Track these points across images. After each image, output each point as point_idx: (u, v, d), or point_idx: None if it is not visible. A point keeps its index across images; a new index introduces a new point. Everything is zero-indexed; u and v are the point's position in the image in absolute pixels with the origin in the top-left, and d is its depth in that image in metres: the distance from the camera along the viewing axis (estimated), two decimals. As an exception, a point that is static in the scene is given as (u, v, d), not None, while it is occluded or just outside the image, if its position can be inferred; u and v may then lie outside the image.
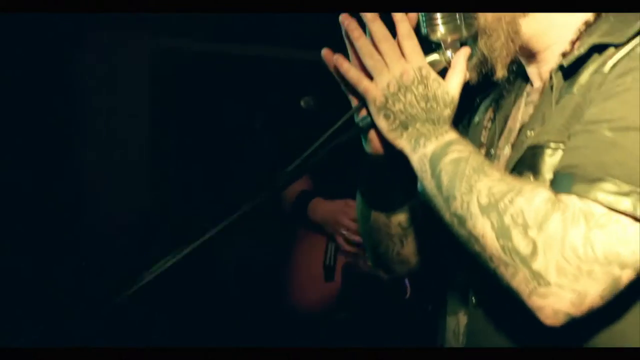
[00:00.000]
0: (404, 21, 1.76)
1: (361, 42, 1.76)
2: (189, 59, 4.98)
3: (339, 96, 1.87)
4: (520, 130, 1.87)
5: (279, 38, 4.91)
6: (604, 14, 1.80)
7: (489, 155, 1.93)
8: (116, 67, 4.91)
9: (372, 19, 1.76)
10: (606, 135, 1.57)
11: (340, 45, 1.84)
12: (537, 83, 1.91)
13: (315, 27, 4.34)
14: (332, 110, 1.91)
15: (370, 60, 1.75)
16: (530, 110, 1.88)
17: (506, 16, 1.81)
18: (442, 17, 1.80)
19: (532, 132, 1.79)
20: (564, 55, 1.81)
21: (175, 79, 4.96)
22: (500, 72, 1.84)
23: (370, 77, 1.77)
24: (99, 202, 4.79)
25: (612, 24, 1.76)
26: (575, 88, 1.71)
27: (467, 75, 1.80)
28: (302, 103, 3.62)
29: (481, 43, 1.83)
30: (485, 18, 1.82)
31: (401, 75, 1.74)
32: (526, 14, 1.81)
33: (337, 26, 1.84)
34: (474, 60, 1.84)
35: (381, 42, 1.75)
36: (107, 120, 4.87)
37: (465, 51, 1.81)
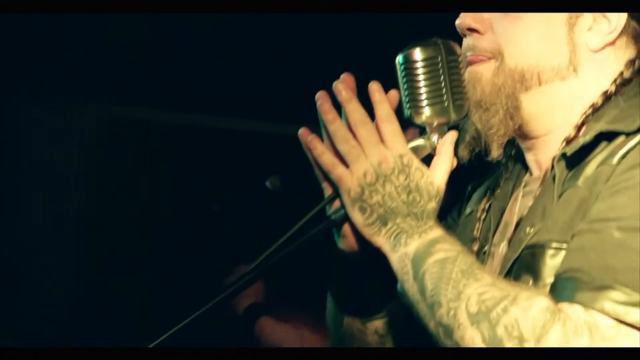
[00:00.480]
0: (383, 102, 1.72)
1: (335, 126, 1.71)
2: (138, 129, 4.81)
3: (311, 178, 1.83)
4: (517, 225, 1.82)
5: (241, 107, 4.74)
6: (613, 97, 1.77)
7: (482, 253, 1.89)
8: (54, 136, 4.76)
9: (348, 100, 1.72)
10: (614, 235, 1.53)
11: (310, 119, 1.80)
12: (536, 172, 1.87)
13: (284, 96, 4.27)
14: (301, 194, 1.88)
15: (345, 145, 1.71)
16: (529, 202, 1.82)
17: (506, 88, 1.78)
18: (428, 98, 1.75)
19: (531, 228, 1.74)
20: (568, 141, 1.77)
21: (120, 149, 4.78)
22: (496, 152, 1.80)
23: (346, 163, 1.71)
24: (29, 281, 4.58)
25: (622, 109, 1.72)
26: (581, 180, 1.67)
27: (455, 163, 1.77)
28: (267, 183, 3.45)
29: (476, 117, 1.80)
30: (482, 90, 1.79)
31: (380, 164, 1.69)
32: (528, 88, 1.78)
33: (307, 96, 1.79)
34: (466, 137, 1.81)
35: (357, 125, 1.70)
36: (44, 192, 4.73)
37: (452, 136, 1.76)
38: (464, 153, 1.81)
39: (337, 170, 1.71)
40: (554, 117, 1.80)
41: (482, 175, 2.03)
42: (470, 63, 1.80)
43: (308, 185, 1.85)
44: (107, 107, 4.87)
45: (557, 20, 1.78)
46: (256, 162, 4.44)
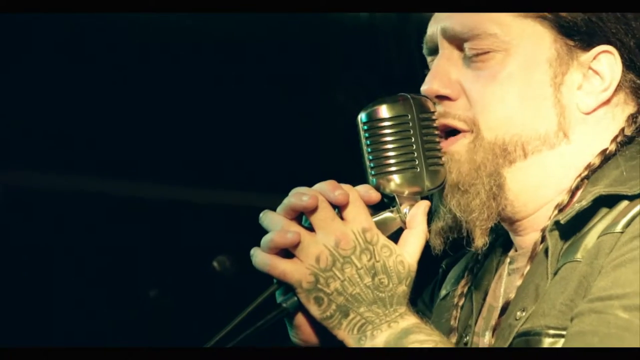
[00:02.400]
0: (351, 190, 1.68)
1: (266, 216, 1.69)
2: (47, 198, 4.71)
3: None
4: (504, 309, 1.75)
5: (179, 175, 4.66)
6: (613, 157, 1.72)
7: (461, 345, 1.83)
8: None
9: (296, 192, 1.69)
10: (619, 316, 1.49)
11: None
12: (523, 246, 1.81)
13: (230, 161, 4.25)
14: (253, 276, 1.78)
15: (289, 232, 1.64)
16: (517, 281, 1.77)
17: (487, 166, 1.71)
18: (397, 163, 1.70)
19: (522, 312, 1.68)
20: (560, 209, 1.71)
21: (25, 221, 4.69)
22: (480, 241, 1.76)
23: (288, 254, 1.65)
24: None
25: (622, 171, 1.69)
26: (580, 253, 1.63)
27: (428, 238, 1.72)
28: (214, 264, 3.35)
29: (453, 203, 1.75)
30: (459, 170, 1.73)
31: (337, 243, 1.63)
32: (512, 162, 1.73)
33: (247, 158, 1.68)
34: (439, 224, 1.75)
35: (310, 212, 1.67)
36: None
37: (424, 206, 1.72)
38: (437, 242, 1.77)
39: (278, 267, 1.64)
40: (545, 192, 1.75)
41: (457, 251, 1.95)
42: (443, 134, 1.75)
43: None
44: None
45: (540, 79, 1.73)
46: (200, 238, 4.32)
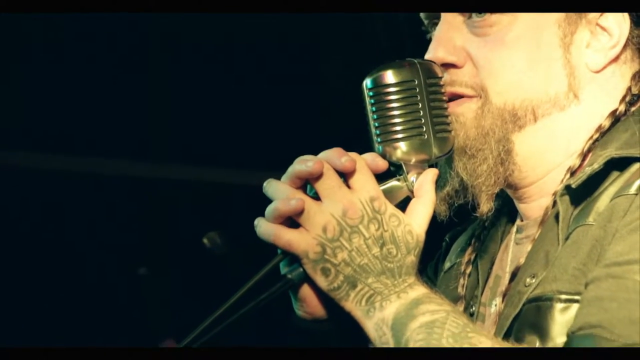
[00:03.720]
0: (358, 158, 1.66)
1: (270, 184, 1.67)
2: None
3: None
4: (512, 277, 1.76)
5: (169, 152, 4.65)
6: (623, 117, 1.73)
7: (469, 314, 1.84)
8: None
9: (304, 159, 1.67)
10: (638, 281, 1.49)
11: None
12: (531, 215, 1.81)
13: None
14: (246, 252, 1.83)
15: (292, 199, 1.63)
16: (525, 249, 1.77)
17: (495, 131, 1.72)
18: (404, 130, 1.67)
19: (533, 279, 1.68)
20: (572, 172, 1.72)
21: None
22: (486, 207, 1.75)
23: (294, 224, 1.64)
24: None
25: (633, 132, 1.69)
26: (592, 217, 1.62)
27: (435, 203, 1.71)
28: (205, 241, 3.34)
29: (459, 165, 1.75)
30: (466, 134, 1.73)
31: (344, 212, 1.62)
32: (521, 127, 1.72)
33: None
34: (447, 188, 1.75)
35: (315, 179, 1.64)
36: None
37: (432, 174, 1.70)
38: (442, 208, 1.76)
39: (285, 236, 1.63)
40: (554, 156, 1.76)
41: (461, 223, 1.96)
42: (449, 101, 1.74)
43: (255, 241, 1.75)
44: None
45: (549, 41, 1.73)
46: (190, 214, 4.31)
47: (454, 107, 1.74)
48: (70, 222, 4.70)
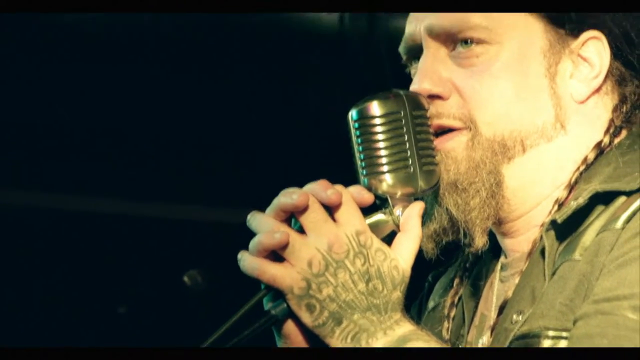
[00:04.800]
0: (343, 191, 1.65)
1: (255, 217, 1.65)
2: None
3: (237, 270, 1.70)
4: (499, 312, 1.76)
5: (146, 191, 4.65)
6: (607, 150, 1.75)
7: None
8: None
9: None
10: (629, 317, 1.49)
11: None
12: (515, 252, 1.82)
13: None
14: (228, 291, 1.82)
15: (277, 233, 1.62)
16: (511, 286, 1.77)
17: (486, 163, 1.72)
18: (389, 162, 1.68)
19: (519, 315, 1.68)
20: (560, 204, 1.73)
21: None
22: (481, 241, 1.74)
23: (278, 258, 1.63)
24: None
25: (617, 166, 1.71)
26: (578, 252, 1.63)
27: (423, 241, 1.72)
28: (185, 279, 3.32)
29: (450, 202, 1.74)
30: (457, 169, 1.73)
31: (330, 247, 1.62)
32: (511, 158, 1.74)
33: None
34: (433, 226, 1.75)
35: (300, 212, 1.63)
36: None
37: (419, 207, 1.70)
38: (430, 246, 1.76)
39: (268, 272, 1.63)
40: (542, 188, 1.76)
41: (443, 262, 1.95)
42: (437, 135, 1.75)
43: (238, 278, 1.74)
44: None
45: (536, 71, 1.75)
46: (170, 252, 4.31)
47: (443, 143, 1.74)
48: (48, 258, 4.69)
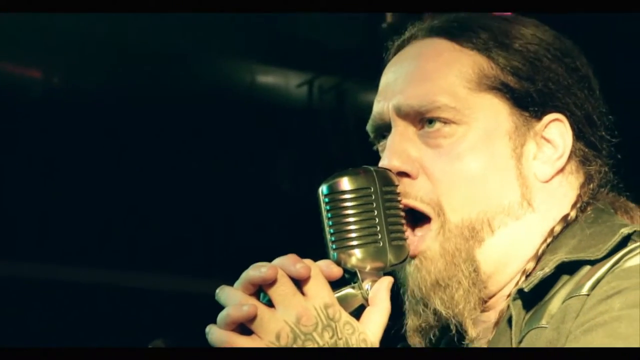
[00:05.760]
0: (312, 265, 1.64)
1: (223, 292, 1.63)
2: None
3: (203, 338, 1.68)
4: None
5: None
6: (572, 224, 1.76)
7: None
8: None
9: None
10: None
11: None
12: (481, 325, 1.79)
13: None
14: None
15: (245, 305, 1.60)
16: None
17: (461, 252, 1.72)
18: (359, 237, 1.66)
19: None
20: (528, 275, 1.73)
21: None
22: (473, 332, 1.74)
23: (246, 331, 1.61)
24: None
25: (581, 238, 1.72)
26: (545, 319, 1.63)
27: (408, 334, 1.74)
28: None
29: (436, 302, 1.73)
30: (436, 267, 1.73)
31: (298, 319, 1.60)
32: (480, 241, 1.73)
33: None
34: (418, 321, 1.74)
35: (269, 285, 1.62)
36: None
37: (387, 282, 1.68)
38: (416, 339, 1.76)
39: (236, 344, 1.60)
40: (513, 265, 1.76)
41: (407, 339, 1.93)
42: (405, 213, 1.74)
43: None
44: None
45: (502, 152, 1.76)
46: (135, 321, 4.25)
47: (418, 246, 1.74)
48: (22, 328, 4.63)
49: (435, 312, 1.73)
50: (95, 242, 4.62)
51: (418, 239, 1.75)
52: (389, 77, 1.81)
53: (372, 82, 1.87)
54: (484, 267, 1.74)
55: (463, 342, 1.82)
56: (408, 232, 1.74)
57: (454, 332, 1.73)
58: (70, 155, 4.26)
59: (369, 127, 1.83)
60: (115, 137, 4.30)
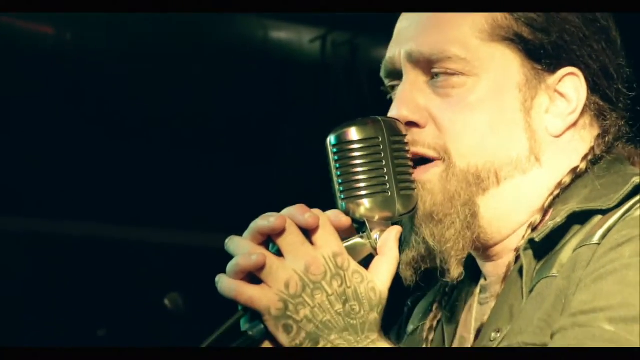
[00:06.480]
0: (321, 214, 1.65)
1: (232, 241, 1.65)
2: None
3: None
4: (477, 334, 1.77)
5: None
6: (583, 175, 1.76)
7: None
8: None
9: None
10: (605, 329, 1.49)
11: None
12: (494, 274, 1.82)
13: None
14: (207, 313, 1.81)
15: (253, 255, 1.62)
16: (489, 307, 1.78)
17: (461, 195, 1.73)
18: (367, 187, 1.67)
19: (497, 333, 1.69)
20: (534, 228, 1.74)
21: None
22: (456, 272, 1.75)
23: (256, 281, 1.63)
24: None
25: (593, 188, 1.72)
26: (555, 269, 1.64)
27: (401, 268, 1.73)
28: (166, 302, 3.31)
29: (426, 232, 1.74)
30: (433, 200, 1.74)
31: (307, 268, 1.61)
32: (485, 189, 1.74)
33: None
34: (411, 254, 1.75)
35: (278, 235, 1.63)
36: None
37: (396, 231, 1.70)
38: (408, 273, 1.76)
39: (246, 292, 1.62)
40: (518, 216, 1.77)
41: (422, 287, 1.94)
42: (414, 162, 1.75)
43: (218, 302, 1.73)
44: None
45: (511, 104, 1.75)
46: (149, 276, 4.29)
47: (420, 174, 1.75)
48: (28, 281, 4.66)
49: (427, 245, 1.74)
50: (110, 198, 4.66)
51: (422, 169, 1.75)
52: (403, 23, 1.81)
53: (385, 36, 1.86)
54: (484, 213, 1.74)
55: (446, 287, 1.86)
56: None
57: (438, 266, 1.74)
58: (82, 113, 4.29)
59: (382, 73, 1.83)
60: (127, 94, 4.32)
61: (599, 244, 1.59)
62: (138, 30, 4.30)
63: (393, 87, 1.82)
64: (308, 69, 4.57)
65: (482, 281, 1.84)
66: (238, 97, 4.41)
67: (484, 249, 1.79)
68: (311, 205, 1.69)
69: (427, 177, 1.74)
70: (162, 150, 4.49)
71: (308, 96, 4.51)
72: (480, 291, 1.83)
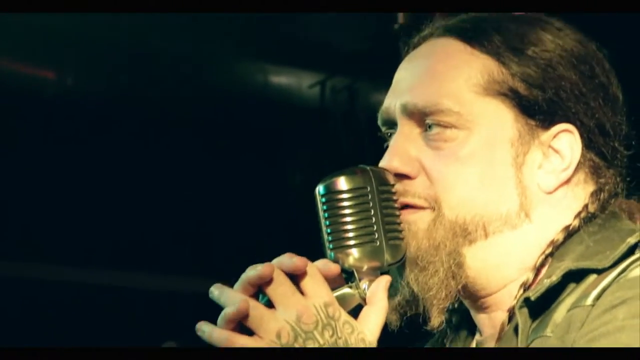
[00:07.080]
0: (309, 264, 1.64)
1: (220, 292, 1.64)
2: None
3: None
4: None
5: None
6: (576, 233, 1.74)
7: None
8: None
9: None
10: None
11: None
12: (490, 329, 1.80)
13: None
14: None
15: (238, 303, 1.61)
16: None
17: (446, 245, 1.72)
18: (356, 237, 1.67)
19: None
20: (526, 287, 1.72)
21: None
22: (437, 320, 1.74)
23: (248, 331, 1.62)
24: None
25: (588, 246, 1.70)
26: (550, 328, 1.63)
27: (386, 311, 1.70)
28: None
29: (411, 277, 1.73)
30: (418, 245, 1.73)
31: (298, 318, 1.60)
32: (472, 242, 1.73)
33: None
34: (398, 298, 1.74)
35: (267, 284, 1.62)
36: None
37: (385, 281, 1.69)
38: (393, 317, 1.74)
39: (237, 344, 1.61)
40: (507, 270, 1.74)
41: (417, 340, 1.93)
42: (402, 209, 1.75)
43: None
44: None
45: (502, 159, 1.74)
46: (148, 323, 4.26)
47: (406, 215, 1.74)
48: (15, 327, 4.63)
49: (411, 290, 1.73)
50: (108, 243, 4.64)
51: (411, 210, 1.74)
52: (400, 74, 1.82)
53: (384, 82, 1.87)
54: (471, 264, 1.73)
55: (444, 340, 1.85)
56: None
57: (421, 312, 1.73)
58: (81, 156, 4.29)
59: (379, 121, 1.84)
60: (128, 139, 4.32)
61: (592, 305, 1.58)
62: (137, 73, 4.33)
63: (390, 135, 1.82)
64: (307, 114, 4.58)
65: (477, 336, 1.82)
66: (237, 142, 4.41)
67: (475, 300, 1.77)
68: (309, 252, 1.68)
69: (413, 219, 1.73)
70: (163, 196, 4.49)
71: (307, 141, 4.52)
72: (477, 345, 1.81)
